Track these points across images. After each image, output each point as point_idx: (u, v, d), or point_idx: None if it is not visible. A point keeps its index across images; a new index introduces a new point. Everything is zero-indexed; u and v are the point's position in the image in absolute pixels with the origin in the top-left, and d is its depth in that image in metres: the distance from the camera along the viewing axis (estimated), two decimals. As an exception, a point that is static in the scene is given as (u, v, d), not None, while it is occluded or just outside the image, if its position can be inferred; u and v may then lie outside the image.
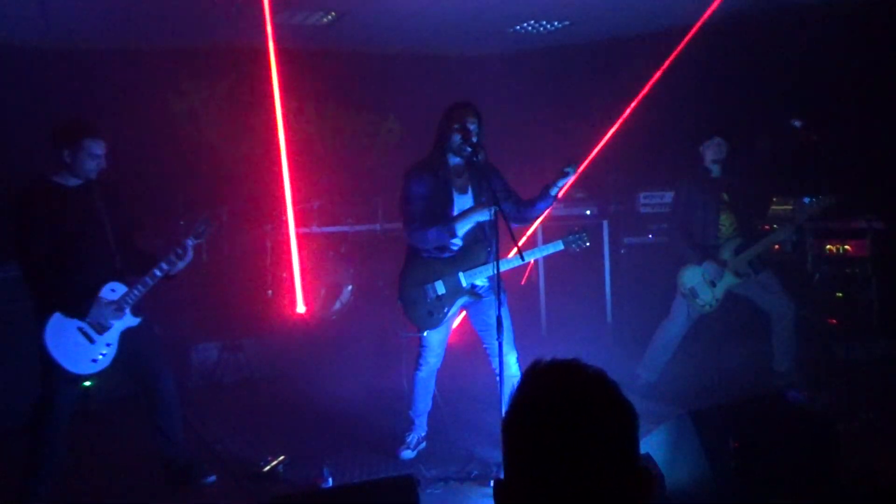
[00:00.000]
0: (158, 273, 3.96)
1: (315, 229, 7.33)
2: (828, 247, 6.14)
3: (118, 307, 3.89)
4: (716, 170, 5.18)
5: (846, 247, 6.04)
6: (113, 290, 3.90)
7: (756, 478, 3.20)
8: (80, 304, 3.81)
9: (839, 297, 6.03)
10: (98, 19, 5.85)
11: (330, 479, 3.93)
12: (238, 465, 4.39)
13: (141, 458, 4.47)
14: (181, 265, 3.99)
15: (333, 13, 6.58)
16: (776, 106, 6.38)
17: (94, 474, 4.38)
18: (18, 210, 3.82)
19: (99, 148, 3.88)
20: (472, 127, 4.13)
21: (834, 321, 6.03)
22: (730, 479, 3.18)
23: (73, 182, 3.89)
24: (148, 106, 7.03)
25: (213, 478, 4.21)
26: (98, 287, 3.87)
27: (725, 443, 3.21)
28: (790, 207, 6.11)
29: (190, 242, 4.03)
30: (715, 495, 3.16)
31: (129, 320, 3.94)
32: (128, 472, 4.42)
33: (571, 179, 4.20)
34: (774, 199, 6.37)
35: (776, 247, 6.29)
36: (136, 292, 3.94)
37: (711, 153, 5.15)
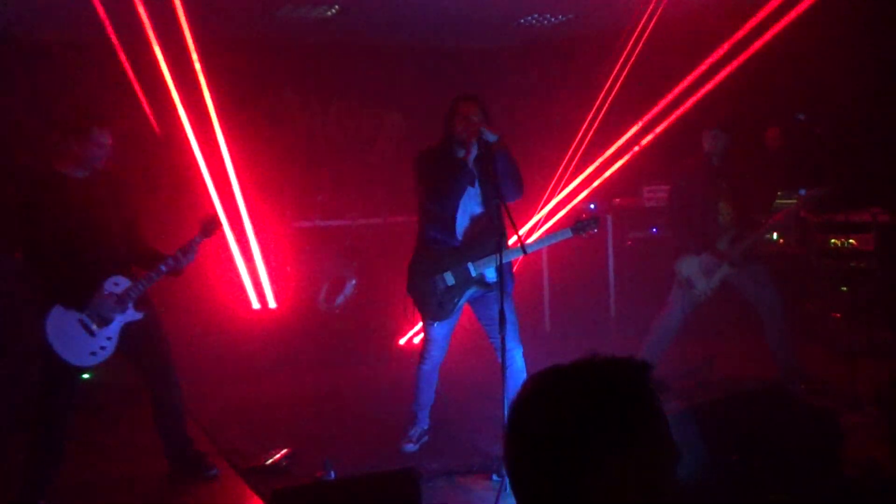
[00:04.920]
0: (164, 269, 3.98)
1: (318, 223, 7.34)
2: (832, 240, 6.12)
3: (121, 301, 3.90)
4: (715, 159, 5.19)
5: (851, 241, 6.01)
6: (116, 284, 3.91)
7: (757, 471, 3.19)
8: (80, 296, 3.82)
9: (843, 290, 6.01)
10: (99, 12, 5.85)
11: (332, 472, 3.94)
12: (241, 458, 4.40)
13: (144, 451, 4.48)
14: (186, 262, 4.02)
15: (337, 6, 6.56)
16: (781, 98, 6.34)
17: (97, 467, 4.40)
18: (23, 201, 3.84)
19: (106, 137, 3.90)
20: (474, 119, 4.13)
21: (838, 315, 6.01)
22: (730, 472, 3.17)
23: (79, 173, 3.90)
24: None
25: (215, 470, 4.23)
26: (101, 280, 3.88)
27: (726, 436, 3.20)
28: (794, 201, 6.08)
29: (197, 240, 4.06)
30: (716, 489, 3.16)
31: (132, 315, 3.95)
32: (131, 465, 4.44)
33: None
34: (780, 193, 6.34)
35: (780, 240, 6.27)
36: (139, 287, 3.95)
37: (708, 143, 5.17)
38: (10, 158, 5.77)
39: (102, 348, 3.86)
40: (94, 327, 3.83)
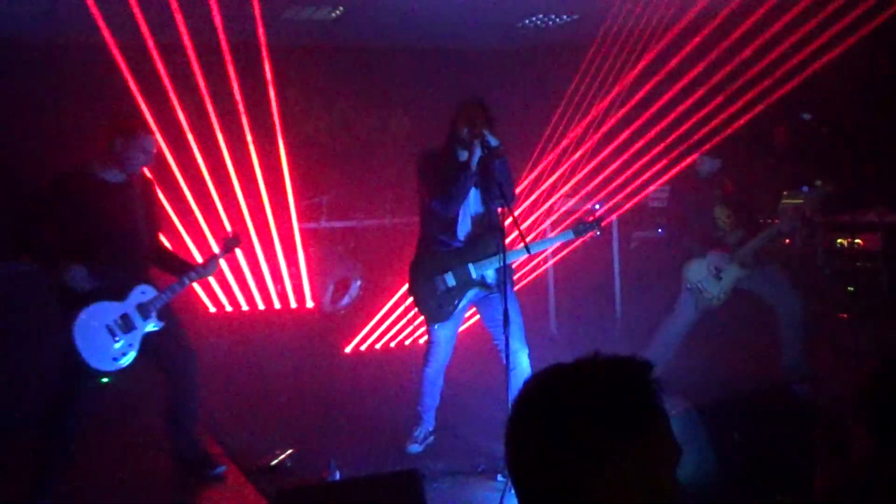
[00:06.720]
0: (187, 281, 4.07)
1: (324, 224, 7.35)
2: (839, 240, 6.09)
3: (145, 310, 3.93)
4: (704, 173, 5.20)
5: (857, 241, 5.99)
6: (143, 293, 3.95)
7: (763, 471, 3.18)
8: (115, 292, 3.86)
9: (850, 291, 5.99)
10: (103, 15, 5.87)
11: (337, 473, 3.95)
12: (246, 458, 4.41)
13: (151, 450, 4.51)
14: (207, 274, 4.16)
15: (341, 8, 6.58)
16: (788, 98, 6.32)
17: (103, 466, 4.41)
18: (53, 196, 3.86)
19: (151, 144, 3.96)
20: (479, 122, 4.12)
21: (845, 315, 5.99)
22: (736, 473, 3.16)
23: (115, 177, 3.94)
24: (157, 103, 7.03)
25: (222, 469, 4.25)
26: (130, 286, 3.91)
27: (732, 436, 3.19)
28: (800, 201, 6.07)
29: (219, 255, 4.20)
30: (721, 488, 3.15)
31: (154, 323, 3.98)
32: (136, 465, 4.46)
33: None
34: (785, 193, 6.32)
35: (787, 241, 6.25)
36: (164, 297, 4.00)
37: (698, 166, 5.19)
38: (51, 159, 5.80)
39: (124, 354, 3.89)
40: (119, 333, 3.86)
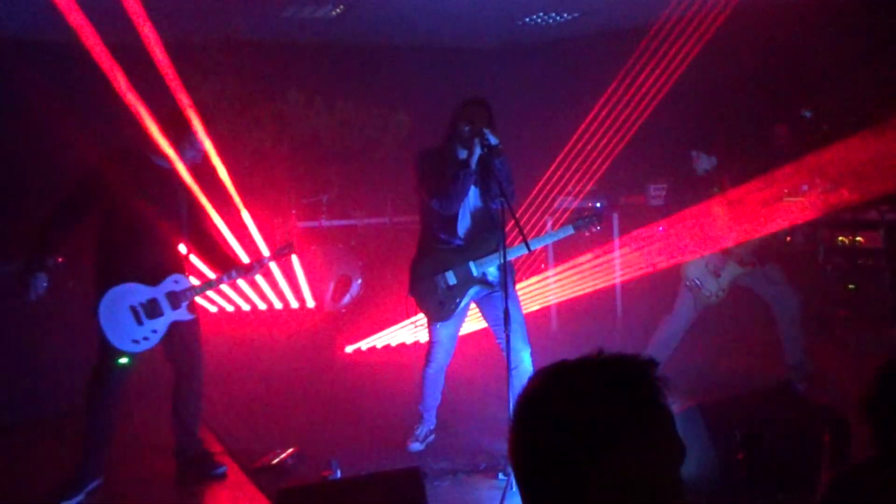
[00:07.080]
0: (226, 279, 4.11)
1: (324, 222, 7.35)
2: (840, 238, 6.08)
3: (177, 299, 3.95)
4: (700, 170, 5.19)
5: (859, 238, 5.98)
6: (176, 282, 3.98)
7: (764, 469, 3.18)
8: (153, 274, 3.90)
9: (852, 288, 5.98)
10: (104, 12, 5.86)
11: (338, 471, 3.94)
12: (247, 457, 4.41)
13: (152, 450, 4.51)
14: (249, 276, 4.22)
15: (342, 6, 6.57)
16: (788, 96, 6.32)
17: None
18: (108, 168, 3.90)
19: (197, 140, 4.04)
20: (484, 127, 4.10)
21: (846, 313, 5.98)
22: (738, 471, 3.16)
23: (165, 163, 4.01)
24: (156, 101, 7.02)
25: (223, 469, 4.25)
26: (165, 273, 3.94)
27: (733, 434, 3.19)
28: (801, 199, 6.05)
29: (267, 261, 4.25)
30: (723, 487, 3.15)
31: (183, 314, 4.00)
32: (138, 464, 4.46)
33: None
34: (786, 191, 6.31)
35: (788, 238, 6.24)
36: (199, 290, 4.04)
37: (694, 162, 5.19)
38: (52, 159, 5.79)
39: (146, 339, 3.90)
40: (144, 317, 3.87)
